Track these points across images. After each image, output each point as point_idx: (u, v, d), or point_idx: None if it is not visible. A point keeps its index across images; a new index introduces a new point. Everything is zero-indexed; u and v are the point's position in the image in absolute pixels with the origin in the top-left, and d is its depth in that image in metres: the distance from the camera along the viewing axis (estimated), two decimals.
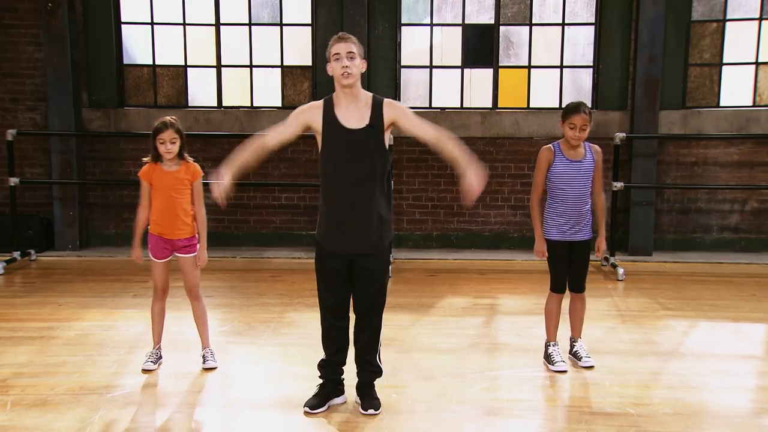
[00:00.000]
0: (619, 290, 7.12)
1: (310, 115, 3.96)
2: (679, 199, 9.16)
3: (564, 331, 5.07)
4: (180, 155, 4.68)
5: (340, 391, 4.28)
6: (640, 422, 4.06)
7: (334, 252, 4.02)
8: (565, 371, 4.79)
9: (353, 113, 3.89)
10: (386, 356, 5.05)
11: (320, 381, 4.27)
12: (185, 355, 5.04)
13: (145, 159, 4.75)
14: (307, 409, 4.12)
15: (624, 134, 8.27)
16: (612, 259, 8.03)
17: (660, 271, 8.05)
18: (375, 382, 4.25)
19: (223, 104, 9.28)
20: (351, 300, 4.17)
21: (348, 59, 3.81)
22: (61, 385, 4.52)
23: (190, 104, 9.34)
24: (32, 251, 8.59)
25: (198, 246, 4.79)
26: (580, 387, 4.58)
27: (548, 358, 4.92)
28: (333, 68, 3.87)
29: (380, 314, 4.19)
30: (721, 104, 9.06)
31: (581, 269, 4.86)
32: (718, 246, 9.12)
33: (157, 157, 4.67)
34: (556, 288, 4.92)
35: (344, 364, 4.27)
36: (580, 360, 4.87)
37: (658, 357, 5.03)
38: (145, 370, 4.76)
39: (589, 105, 8.99)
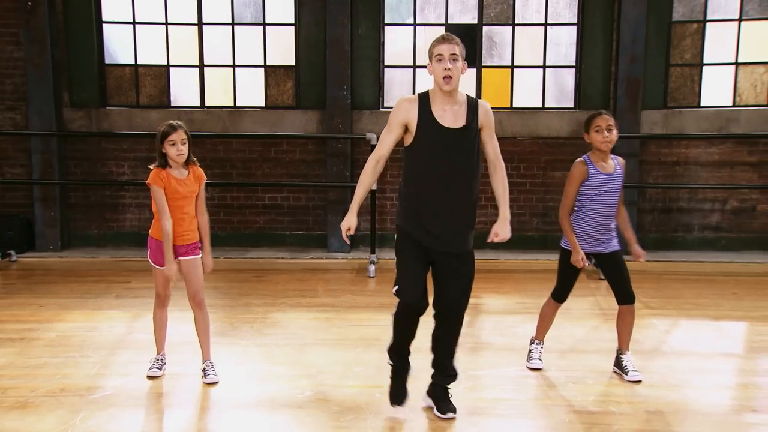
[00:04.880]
0: (602, 289, 7.15)
1: (406, 112, 3.86)
2: (660, 198, 9.22)
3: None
4: (188, 160, 4.54)
5: (408, 377, 4.19)
6: (622, 420, 4.09)
7: (423, 244, 3.91)
8: (538, 369, 4.83)
9: (449, 112, 3.85)
10: (371, 356, 5.08)
11: (391, 366, 4.16)
12: (168, 357, 5.00)
13: (150, 166, 4.55)
14: (398, 407, 4.08)
15: None
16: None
17: (642, 270, 8.09)
18: (445, 386, 4.19)
19: (206, 104, 9.23)
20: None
21: (451, 61, 3.76)
22: (42, 387, 4.48)
23: (172, 104, 9.28)
24: (13, 252, 8.51)
25: (201, 251, 4.67)
26: (564, 386, 4.60)
27: (528, 353, 4.95)
28: (434, 69, 3.81)
29: (463, 316, 4.09)
30: (702, 104, 9.13)
31: (624, 278, 4.65)
32: (700, 245, 9.19)
33: (164, 164, 4.50)
34: (558, 297, 4.84)
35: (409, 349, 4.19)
36: (626, 374, 4.69)
37: (640, 355, 5.06)
38: (150, 377, 4.66)
39: (572, 105, 9.14)
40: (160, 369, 4.74)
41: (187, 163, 4.57)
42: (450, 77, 3.76)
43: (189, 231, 4.60)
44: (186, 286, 4.67)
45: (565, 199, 4.67)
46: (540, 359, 4.90)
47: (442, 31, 9.06)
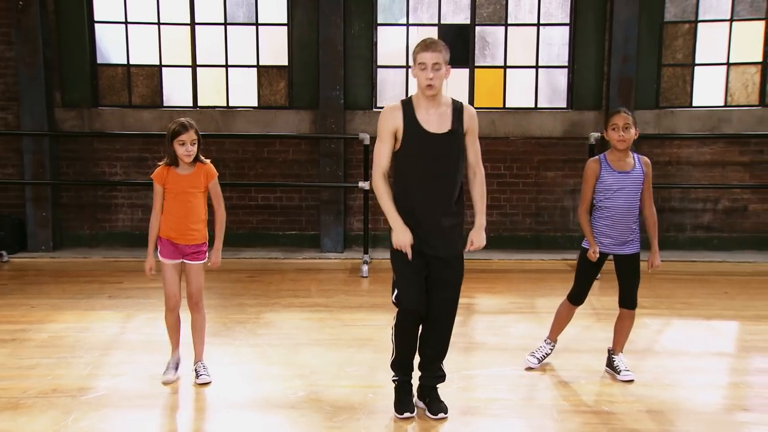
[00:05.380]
0: (594, 289, 7.09)
1: (392, 121, 3.87)
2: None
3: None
4: (196, 158, 4.49)
5: (412, 390, 4.20)
6: (615, 420, 4.09)
7: (416, 248, 3.89)
8: (531, 368, 4.83)
9: (434, 117, 3.87)
10: (364, 356, 5.08)
11: (395, 382, 4.16)
12: (161, 357, 4.99)
13: (159, 162, 4.53)
14: (408, 414, 4.06)
15: (599, 134, 8.29)
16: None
17: (640, 275, 8.11)
18: (432, 386, 4.18)
19: (199, 104, 9.22)
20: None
21: (433, 70, 3.78)
22: (34, 388, 4.46)
23: (165, 104, 9.26)
24: (4, 253, 8.47)
25: (207, 249, 4.63)
26: (556, 385, 4.61)
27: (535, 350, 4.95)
28: (417, 76, 3.83)
29: (454, 319, 4.10)
30: (694, 104, 9.17)
31: (632, 284, 4.67)
32: (692, 245, 9.23)
33: (174, 161, 4.46)
34: (574, 299, 4.80)
35: (414, 360, 4.17)
36: (619, 374, 4.69)
37: (632, 355, 5.07)
38: (165, 383, 4.56)
39: (564, 105, 9.16)
40: (176, 370, 4.65)
41: (196, 161, 4.52)
42: (433, 85, 3.79)
43: (195, 230, 4.54)
44: (186, 287, 4.65)
45: (581, 198, 4.70)
46: (538, 358, 4.88)
47: (434, 31, 9.09)
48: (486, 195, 4.05)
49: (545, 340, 4.98)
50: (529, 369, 4.85)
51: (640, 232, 4.66)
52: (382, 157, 3.92)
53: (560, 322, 4.93)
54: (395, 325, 4.05)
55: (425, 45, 3.82)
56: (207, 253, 4.66)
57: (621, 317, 4.78)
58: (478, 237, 3.96)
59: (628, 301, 4.70)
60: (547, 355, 4.94)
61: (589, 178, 4.60)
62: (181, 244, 4.54)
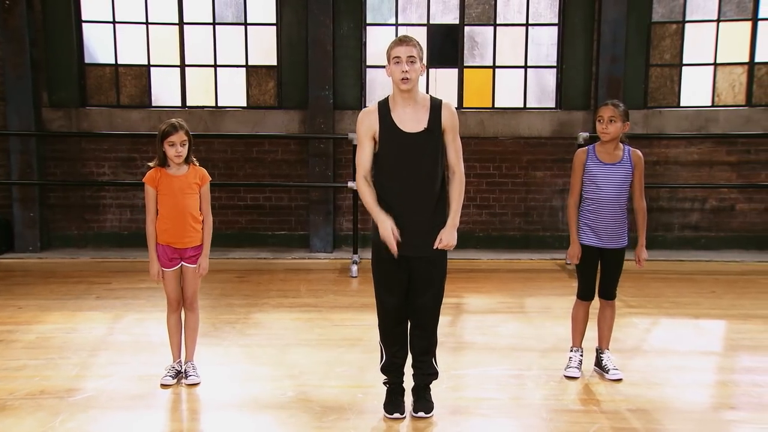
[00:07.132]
0: None
1: (369, 123, 3.87)
2: None
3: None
4: (187, 158, 4.47)
5: (404, 392, 4.20)
6: (603, 418, 4.11)
7: (399, 254, 3.88)
8: (574, 377, 4.69)
9: (411, 116, 3.85)
10: (353, 356, 5.08)
11: (386, 385, 4.17)
12: (150, 357, 4.99)
13: (150, 164, 4.50)
14: (398, 415, 4.06)
15: (587, 134, 8.34)
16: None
17: (623, 269, 8.14)
18: (424, 384, 4.18)
19: (188, 104, 9.19)
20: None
21: (408, 63, 3.77)
22: (21, 390, 4.44)
23: (153, 104, 9.22)
24: None
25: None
26: (545, 385, 4.62)
27: (568, 361, 4.85)
28: (392, 71, 3.82)
29: (437, 317, 4.10)
30: (682, 104, 9.21)
31: (613, 276, 4.70)
32: (679, 244, 9.27)
33: (164, 162, 4.44)
34: (583, 295, 4.78)
35: (405, 363, 4.17)
36: (607, 372, 4.69)
37: (620, 354, 5.10)
38: (163, 385, 4.52)
39: (553, 105, 9.18)
40: (174, 378, 4.58)
41: (187, 162, 4.50)
42: (408, 79, 3.78)
43: (193, 232, 4.52)
44: (183, 288, 4.62)
45: (570, 189, 4.72)
46: (577, 367, 4.76)
47: (423, 31, 9.09)
48: (463, 195, 3.99)
49: (573, 350, 4.85)
50: (573, 378, 4.70)
51: (629, 229, 4.67)
52: (362, 159, 3.92)
53: (577, 324, 4.85)
54: (379, 328, 4.09)
55: (399, 41, 3.85)
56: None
57: (602, 308, 4.81)
58: (448, 235, 3.90)
59: (608, 293, 4.75)
60: (581, 360, 4.80)
61: (576, 168, 4.65)
62: (180, 248, 4.51)
